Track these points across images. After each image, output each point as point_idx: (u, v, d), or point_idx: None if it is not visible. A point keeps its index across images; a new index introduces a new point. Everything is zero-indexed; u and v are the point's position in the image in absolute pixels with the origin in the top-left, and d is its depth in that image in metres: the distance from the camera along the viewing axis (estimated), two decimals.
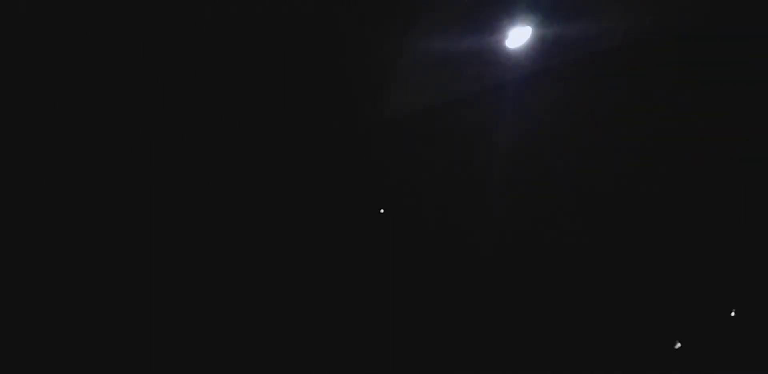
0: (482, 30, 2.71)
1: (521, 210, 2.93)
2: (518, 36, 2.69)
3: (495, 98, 2.81)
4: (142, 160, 2.96)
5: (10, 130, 2.79)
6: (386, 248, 3.04)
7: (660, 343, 2.83)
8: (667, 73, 2.79)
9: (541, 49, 2.70)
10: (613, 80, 2.81)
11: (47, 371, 2.77)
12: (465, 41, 2.69)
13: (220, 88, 3.06)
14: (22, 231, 2.82)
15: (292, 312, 3.00)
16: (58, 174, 2.88)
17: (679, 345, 2.85)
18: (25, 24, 2.72)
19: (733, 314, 2.79)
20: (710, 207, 2.86)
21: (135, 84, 2.95)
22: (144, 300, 2.89)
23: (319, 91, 3.14)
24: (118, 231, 2.92)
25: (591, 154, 2.91)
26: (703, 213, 2.87)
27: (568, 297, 2.93)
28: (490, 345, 2.91)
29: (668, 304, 2.87)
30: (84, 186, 2.90)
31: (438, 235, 3.02)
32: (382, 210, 3.00)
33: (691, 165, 2.84)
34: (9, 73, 2.76)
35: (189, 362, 2.85)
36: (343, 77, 3.12)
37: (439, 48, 2.71)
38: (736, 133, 2.80)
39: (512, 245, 2.95)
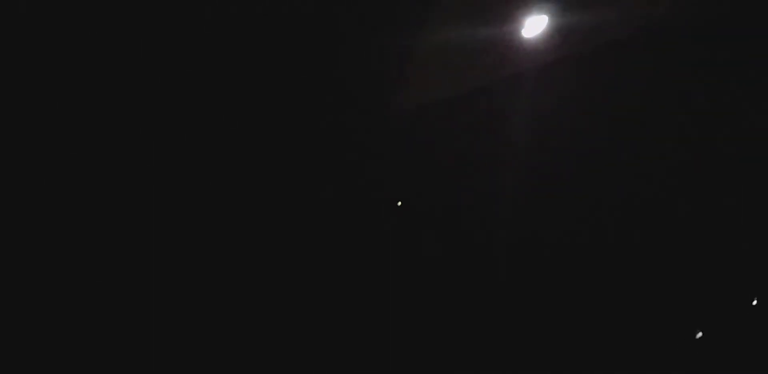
0: (498, 19, 2.68)
1: (536, 202, 2.89)
2: (534, 25, 2.67)
3: (511, 88, 2.77)
4: (142, 160, 2.96)
5: (10, 130, 2.79)
6: (394, 242, 3.02)
7: (660, 343, 2.82)
8: (681, 63, 2.75)
9: (557, 38, 2.67)
10: (627, 69, 2.77)
11: (47, 371, 2.76)
12: (480, 31, 2.67)
13: (221, 88, 3.06)
14: (22, 231, 2.82)
15: (294, 312, 2.99)
16: (58, 174, 2.87)
17: (700, 334, 2.79)
18: (25, 24, 2.73)
19: (755, 302, 2.75)
20: (724, 205, 2.83)
21: (135, 84, 2.94)
22: (143, 300, 2.88)
23: (319, 90, 3.13)
24: (117, 231, 2.91)
25: (606, 144, 2.87)
26: (713, 213, 2.84)
27: (573, 296, 2.91)
28: (491, 345, 2.90)
29: (670, 304, 2.85)
30: (84, 186, 2.90)
31: (449, 228, 2.99)
32: (399, 203, 2.98)
33: (706, 157, 2.79)
34: (9, 73, 2.76)
35: (189, 362, 2.84)
36: (346, 73, 3.11)
37: (454, 38, 2.69)
38: (747, 127, 2.77)
39: (526, 238, 2.92)
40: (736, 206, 2.85)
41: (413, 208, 3.00)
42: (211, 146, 3.04)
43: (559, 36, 2.63)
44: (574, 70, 2.72)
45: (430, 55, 2.76)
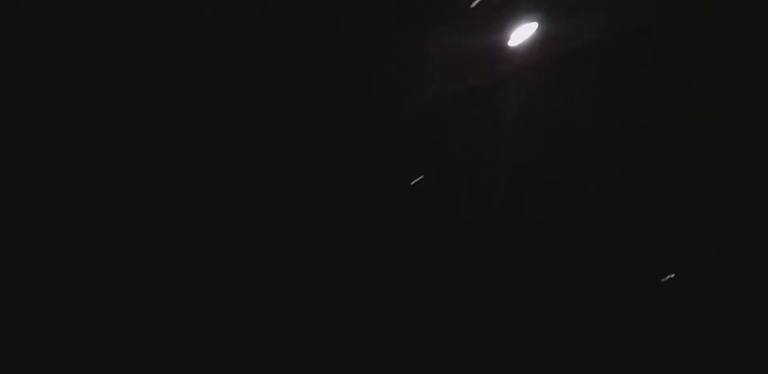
0: (490, 28, 2.99)
1: (526, 198, 2.99)
2: (522, 33, 2.96)
3: (502, 89, 3.06)
4: (142, 160, 2.96)
5: (10, 130, 2.79)
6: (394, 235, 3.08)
7: (658, 342, 2.84)
8: (656, 64, 2.92)
9: (543, 43, 2.94)
10: (607, 71, 2.95)
11: (47, 371, 2.77)
12: (475, 38, 2.99)
13: (220, 88, 3.07)
14: (22, 231, 2.82)
15: (292, 311, 3.00)
16: (58, 174, 2.88)
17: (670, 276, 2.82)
18: (25, 24, 2.72)
19: None
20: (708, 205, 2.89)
21: (135, 84, 2.95)
22: (144, 300, 2.88)
23: (318, 90, 3.16)
24: (117, 231, 2.92)
25: (590, 139, 2.99)
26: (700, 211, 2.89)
27: (569, 292, 2.95)
28: (490, 343, 2.93)
29: (667, 304, 2.87)
30: (84, 186, 2.90)
31: (446, 221, 3.07)
32: (413, 182, 3.06)
33: (690, 159, 2.86)
34: (9, 73, 2.76)
35: (189, 362, 2.85)
36: (348, 74, 3.16)
37: (453, 45, 3.02)
38: (731, 128, 2.83)
39: (518, 230, 3.00)
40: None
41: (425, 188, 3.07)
42: (207, 145, 3.05)
43: (546, 41, 2.92)
44: (558, 72, 2.97)
45: (437, 58, 3.07)
